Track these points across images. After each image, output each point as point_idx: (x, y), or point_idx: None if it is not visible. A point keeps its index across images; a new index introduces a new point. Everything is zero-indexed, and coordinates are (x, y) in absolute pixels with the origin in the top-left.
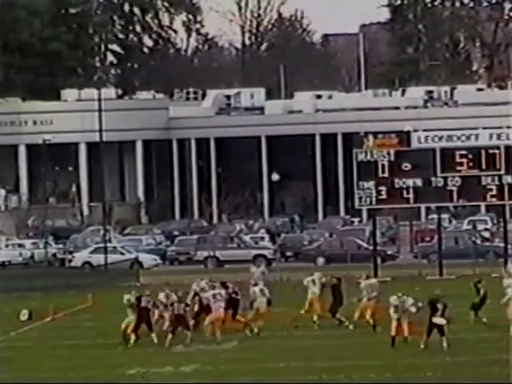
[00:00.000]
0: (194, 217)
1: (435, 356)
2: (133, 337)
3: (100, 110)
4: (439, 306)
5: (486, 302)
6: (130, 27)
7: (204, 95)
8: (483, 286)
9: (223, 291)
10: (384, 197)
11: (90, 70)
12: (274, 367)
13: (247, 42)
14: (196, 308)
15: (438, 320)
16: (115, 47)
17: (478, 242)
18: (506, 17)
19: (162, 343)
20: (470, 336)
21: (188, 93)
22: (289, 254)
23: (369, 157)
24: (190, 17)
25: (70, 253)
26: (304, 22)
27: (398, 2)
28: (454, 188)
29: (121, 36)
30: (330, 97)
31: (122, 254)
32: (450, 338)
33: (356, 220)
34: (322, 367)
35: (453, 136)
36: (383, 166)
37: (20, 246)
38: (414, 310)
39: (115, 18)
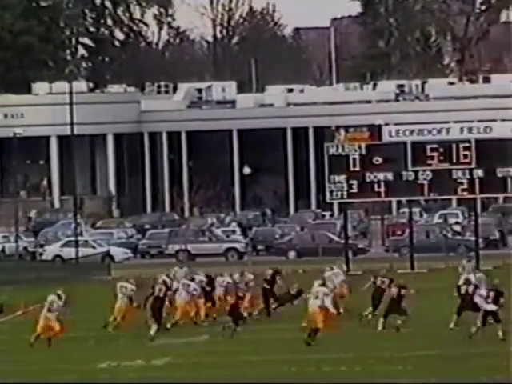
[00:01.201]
0: (166, 210)
1: (406, 350)
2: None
3: (71, 104)
4: (491, 294)
5: None
6: (102, 20)
7: (175, 88)
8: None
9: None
10: (355, 191)
11: (61, 64)
12: (246, 360)
13: (218, 35)
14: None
15: (490, 306)
16: (86, 40)
17: (449, 235)
18: (477, 10)
19: (133, 336)
20: (442, 329)
21: (159, 86)
22: (260, 247)
23: (340, 150)
24: (162, 10)
25: (41, 246)
26: (275, 16)
27: None
28: (425, 182)
29: (92, 29)
30: (301, 90)
31: (94, 247)
32: (414, 331)
33: (327, 214)
34: (293, 360)
35: (424, 130)
36: (354, 159)
37: None
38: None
39: (86, 11)
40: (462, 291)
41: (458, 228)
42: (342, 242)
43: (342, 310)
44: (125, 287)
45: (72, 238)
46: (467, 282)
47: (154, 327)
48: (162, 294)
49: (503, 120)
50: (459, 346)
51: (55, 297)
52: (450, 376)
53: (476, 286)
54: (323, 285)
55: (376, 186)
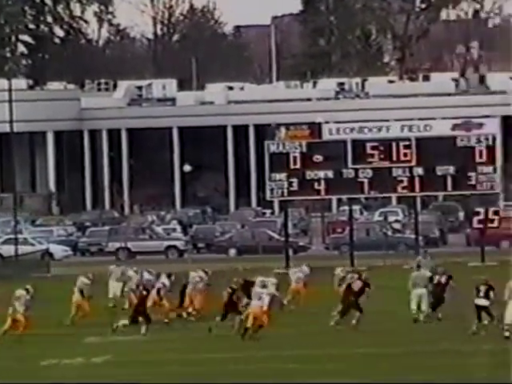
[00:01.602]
0: (106, 208)
1: (345, 347)
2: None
3: (10, 101)
4: (482, 288)
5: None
6: (41, 18)
7: (115, 86)
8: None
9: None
10: (296, 188)
11: (0, 61)
12: (189, 358)
13: (159, 32)
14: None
15: (480, 301)
16: (26, 38)
17: (389, 233)
18: (418, 9)
19: (75, 334)
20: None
21: (99, 84)
22: (201, 245)
23: (281, 148)
24: (102, 7)
25: None
26: (216, 14)
27: None
28: (365, 180)
29: (32, 26)
30: (241, 88)
31: (33, 245)
32: (364, 329)
33: (268, 211)
34: (239, 357)
35: (364, 128)
36: (295, 157)
37: None
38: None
39: (26, 8)
40: (435, 281)
41: (397, 226)
42: (283, 239)
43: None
44: (80, 281)
45: (11, 236)
46: (440, 273)
47: (124, 322)
48: (144, 292)
49: (443, 118)
50: (411, 344)
51: (23, 291)
52: (398, 374)
53: (450, 277)
54: (263, 286)
55: (316, 183)
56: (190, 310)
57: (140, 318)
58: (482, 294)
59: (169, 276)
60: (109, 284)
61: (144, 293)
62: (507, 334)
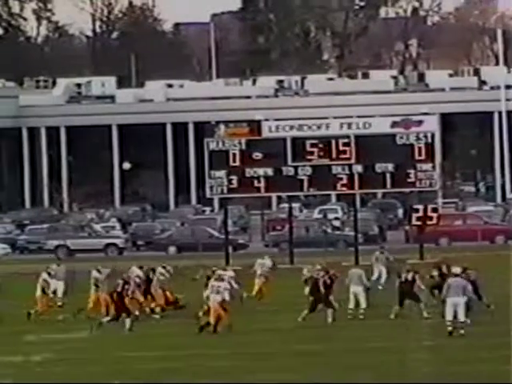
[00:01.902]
0: (45, 206)
1: (288, 343)
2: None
3: None
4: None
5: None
6: None
7: (54, 83)
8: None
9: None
10: (235, 186)
11: None
12: (127, 356)
13: (98, 30)
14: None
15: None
16: None
17: (329, 230)
18: (357, 6)
19: (14, 333)
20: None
21: (38, 81)
22: (140, 242)
23: (220, 146)
24: (41, 5)
25: None
26: (155, 11)
27: None
28: (305, 177)
29: None
30: (181, 86)
31: None
32: (307, 325)
33: (208, 209)
34: (171, 356)
35: (303, 125)
36: (234, 155)
37: None
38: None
39: None
40: (402, 279)
41: (337, 223)
42: (222, 237)
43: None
44: (42, 277)
45: None
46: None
47: (107, 318)
48: (119, 289)
49: (382, 116)
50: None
51: None
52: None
53: (416, 272)
54: (220, 279)
55: (256, 181)
56: (153, 305)
57: (123, 314)
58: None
59: (140, 268)
60: (51, 283)
61: (120, 288)
62: (450, 328)
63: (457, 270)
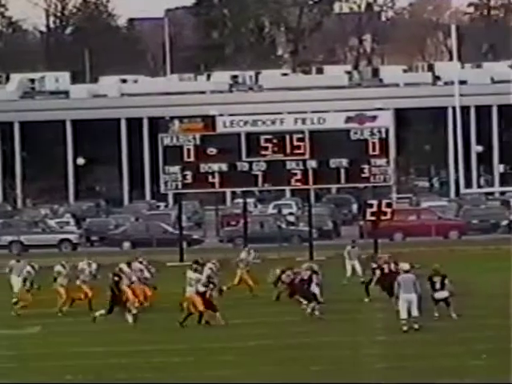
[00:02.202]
0: None
1: (238, 340)
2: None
3: None
4: (436, 279)
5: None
6: None
7: (8, 79)
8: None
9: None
10: (190, 181)
11: None
12: (77, 351)
13: (52, 25)
14: None
15: (440, 294)
16: None
17: (283, 226)
18: (311, 2)
19: None
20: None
21: None
22: (94, 238)
23: (174, 141)
24: None
25: None
26: (109, 6)
27: None
28: (260, 172)
29: None
30: (135, 81)
31: None
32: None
33: (162, 204)
34: (123, 351)
35: (258, 121)
36: (189, 150)
37: None
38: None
39: None
40: (386, 270)
41: (291, 219)
42: (177, 232)
43: None
44: (26, 270)
45: None
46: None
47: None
48: (111, 282)
49: (336, 111)
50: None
51: None
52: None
53: (396, 263)
54: (196, 270)
55: (210, 176)
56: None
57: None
58: (438, 285)
59: (128, 264)
60: (11, 279)
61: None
62: (405, 328)
63: (405, 266)
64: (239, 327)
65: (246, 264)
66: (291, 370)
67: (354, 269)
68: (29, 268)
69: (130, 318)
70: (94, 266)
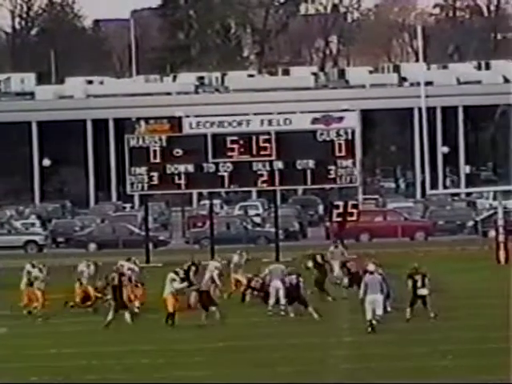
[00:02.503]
0: None
1: (207, 341)
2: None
3: None
4: (417, 277)
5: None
6: None
7: None
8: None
9: None
10: (156, 182)
11: None
12: (45, 353)
13: (17, 26)
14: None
15: (421, 291)
16: None
17: (250, 227)
18: (277, 3)
19: None
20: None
21: None
22: (60, 239)
23: (140, 142)
24: None
25: None
26: (75, 7)
27: None
28: (226, 174)
29: None
30: (101, 82)
31: None
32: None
33: (128, 206)
34: (93, 352)
35: (224, 122)
36: (155, 151)
37: None
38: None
39: None
40: (353, 270)
41: (258, 220)
42: (143, 233)
43: None
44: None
45: None
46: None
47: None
48: (116, 282)
49: (303, 112)
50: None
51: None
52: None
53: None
54: (175, 272)
55: (177, 177)
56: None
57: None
58: (420, 283)
59: (128, 260)
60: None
61: (117, 282)
62: (369, 329)
63: (370, 266)
64: (208, 328)
65: (239, 267)
66: (259, 371)
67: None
68: (28, 267)
69: (128, 317)
70: (92, 267)
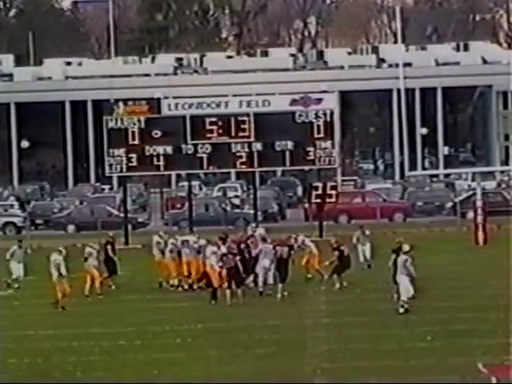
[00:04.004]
0: None
1: (185, 323)
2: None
3: None
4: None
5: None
6: None
7: None
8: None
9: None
10: (135, 164)
11: None
12: (22, 335)
13: None
14: None
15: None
16: None
17: (228, 208)
18: None
19: None
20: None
21: None
22: (39, 221)
23: (119, 124)
24: None
25: None
26: None
27: None
28: (205, 155)
29: None
30: (79, 64)
31: None
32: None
33: (107, 187)
34: (71, 334)
35: (203, 103)
36: (133, 133)
37: None
38: None
39: None
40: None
41: (236, 201)
42: (122, 215)
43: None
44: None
45: None
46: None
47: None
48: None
49: (281, 94)
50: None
51: None
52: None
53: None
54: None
55: (155, 159)
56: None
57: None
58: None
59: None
60: (10, 264)
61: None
62: (401, 310)
63: (405, 247)
64: (186, 310)
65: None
66: (237, 353)
67: (364, 253)
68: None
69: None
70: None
